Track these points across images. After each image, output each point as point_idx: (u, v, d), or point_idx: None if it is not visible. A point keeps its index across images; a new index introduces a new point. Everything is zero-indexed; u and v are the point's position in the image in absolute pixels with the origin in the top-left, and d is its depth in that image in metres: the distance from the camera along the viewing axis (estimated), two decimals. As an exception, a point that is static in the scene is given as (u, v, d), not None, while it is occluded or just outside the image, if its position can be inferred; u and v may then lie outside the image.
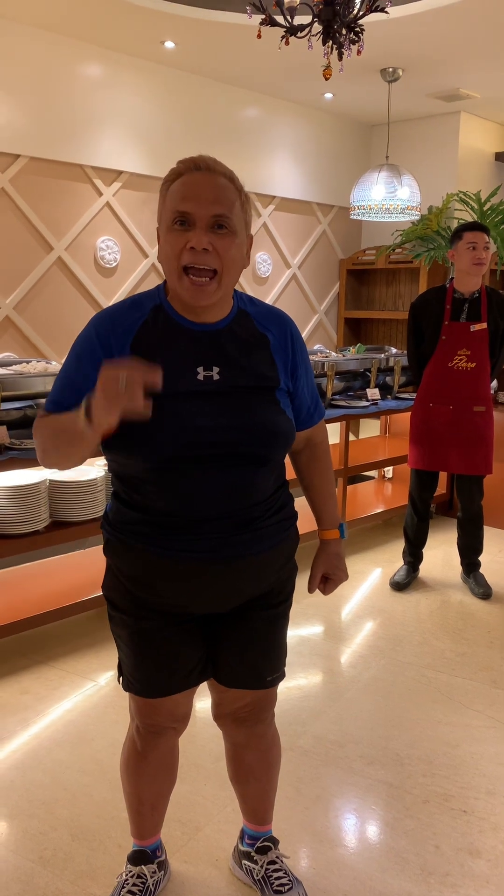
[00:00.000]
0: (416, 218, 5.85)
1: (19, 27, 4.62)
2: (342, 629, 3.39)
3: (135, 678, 1.62)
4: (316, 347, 4.99)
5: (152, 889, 1.77)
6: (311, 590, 1.77)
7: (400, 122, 6.60)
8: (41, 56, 4.76)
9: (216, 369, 1.47)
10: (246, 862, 1.85)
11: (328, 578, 1.77)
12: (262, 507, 1.54)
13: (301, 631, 3.33)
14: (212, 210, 1.39)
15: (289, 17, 3.15)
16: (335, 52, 3.19)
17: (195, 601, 1.56)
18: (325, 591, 1.78)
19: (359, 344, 5.36)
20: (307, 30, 3.21)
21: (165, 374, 1.44)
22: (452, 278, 3.60)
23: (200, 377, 1.46)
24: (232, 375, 1.48)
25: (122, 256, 5.37)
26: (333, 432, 4.44)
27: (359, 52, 3.17)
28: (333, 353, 4.84)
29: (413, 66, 5.24)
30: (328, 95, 5.98)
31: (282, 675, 1.71)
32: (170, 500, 1.48)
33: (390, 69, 5.26)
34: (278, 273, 6.45)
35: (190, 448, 1.43)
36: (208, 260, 1.39)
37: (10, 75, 4.64)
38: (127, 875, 1.78)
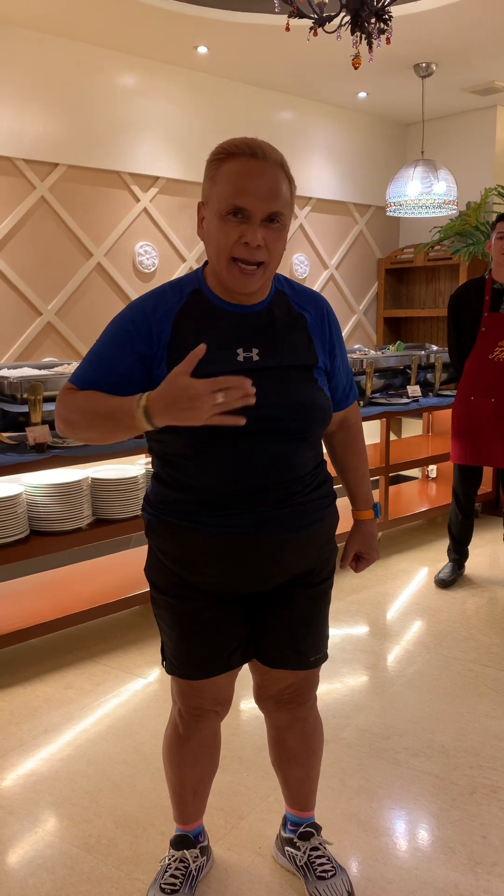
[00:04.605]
0: (454, 213, 5.78)
1: (54, 39, 4.72)
2: (387, 626, 3.36)
3: (178, 660, 1.63)
4: (356, 347, 4.96)
5: (195, 874, 1.77)
6: (342, 566, 1.79)
7: (435, 120, 6.55)
8: (77, 67, 4.85)
9: (255, 351, 1.49)
10: (289, 848, 1.84)
11: (361, 557, 1.78)
12: (301, 483, 1.54)
13: (345, 628, 3.30)
14: (269, 208, 1.40)
15: (317, 10, 3.16)
16: (364, 43, 3.19)
17: (237, 579, 1.56)
18: (357, 570, 1.80)
19: (398, 342, 5.32)
20: (335, 20, 3.21)
21: (206, 355, 1.46)
22: (491, 269, 3.55)
23: (240, 358, 1.47)
24: (271, 355, 1.50)
25: (160, 261, 5.42)
26: (374, 430, 4.41)
27: (388, 41, 3.16)
28: (373, 352, 4.81)
29: (446, 60, 5.20)
30: (362, 94, 5.96)
31: (324, 657, 1.70)
32: (210, 476, 1.48)
33: (423, 64, 5.23)
34: (315, 274, 6.45)
35: (230, 426, 1.44)
36: (259, 255, 1.42)
37: (47, 86, 4.74)
38: (170, 859, 1.78)
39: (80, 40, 4.80)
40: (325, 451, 1.71)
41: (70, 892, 1.81)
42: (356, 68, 3.45)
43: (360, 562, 1.79)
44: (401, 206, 5.46)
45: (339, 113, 6.35)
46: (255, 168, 1.40)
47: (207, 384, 1.29)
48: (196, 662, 1.61)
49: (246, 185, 1.39)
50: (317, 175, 6.29)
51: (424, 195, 5.30)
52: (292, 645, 1.63)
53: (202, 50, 4.96)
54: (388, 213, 5.69)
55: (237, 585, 1.57)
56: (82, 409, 1.46)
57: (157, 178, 5.34)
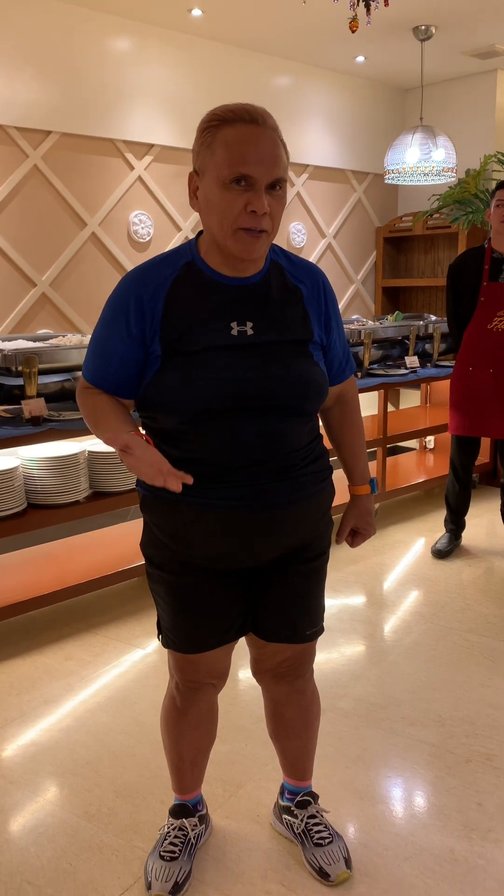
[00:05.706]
0: (453, 181, 5.70)
1: (46, 2, 4.61)
2: (384, 596, 3.38)
3: (174, 634, 1.63)
4: (354, 318, 4.92)
5: (193, 841, 1.79)
6: (338, 541, 1.78)
7: (434, 85, 6.44)
8: (69, 31, 4.74)
9: (249, 324, 1.47)
10: (286, 816, 1.86)
11: (357, 532, 1.77)
12: (297, 456, 1.53)
13: (343, 598, 3.32)
14: (273, 174, 1.39)
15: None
16: (362, 5, 3.11)
17: (232, 553, 1.55)
18: (353, 545, 1.79)
19: (397, 311, 5.27)
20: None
21: (199, 329, 1.44)
22: (490, 238, 3.52)
23: (234, 332, 1.46)
24: (266, 329, 1.48)
25: (155, 230, 5.36)
26: (371, 401, 4.39)
27: (386, 3, 3.08)
28: (370, 322, 4.78)
29: (446, 23, 5.09)
30: (360, 59, 5.85)
31: (320, 630, 1.71)
32: (204, 451, 1.48)
33: (423, 27, 5.12)
34: (313, 243, 6.38)
35: (224, 401, 1.43)
36: (264, 222, 1.40)
37: (39, 52, 4.64)
38: (169, 828, 1.80)
39: (71, 2, 4.69)
40: (321, 424, 1.70)
41: (71, 860, 1.84)
42: (353, 31, 3.38)
43: (355, 537, 1.78)
44: (399, 173, 5.39)
45: (336, 78, 6.24)
46: (255, 134, 1.37)
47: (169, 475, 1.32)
48: (192, 637, 1.61)
49: (249, 151, 1.36)
50: (314, 141, 6.20)
51: (423, 162, 5.23)
52: (288, 619, 1.64)
53: (196, 13, 4.85)
54: (386, 181, 5.61)
55: (232, 560, 1.57)
56: (90, 409, 1.52)
57: (152, 145, 5.25)
